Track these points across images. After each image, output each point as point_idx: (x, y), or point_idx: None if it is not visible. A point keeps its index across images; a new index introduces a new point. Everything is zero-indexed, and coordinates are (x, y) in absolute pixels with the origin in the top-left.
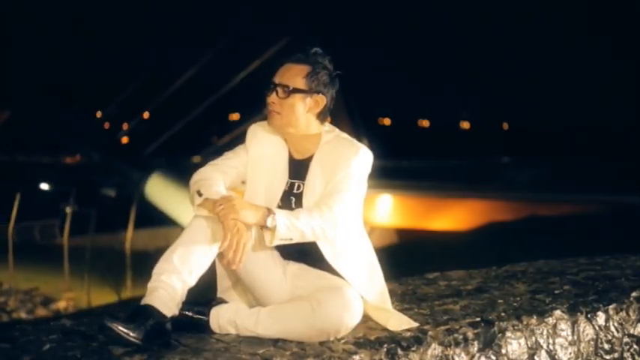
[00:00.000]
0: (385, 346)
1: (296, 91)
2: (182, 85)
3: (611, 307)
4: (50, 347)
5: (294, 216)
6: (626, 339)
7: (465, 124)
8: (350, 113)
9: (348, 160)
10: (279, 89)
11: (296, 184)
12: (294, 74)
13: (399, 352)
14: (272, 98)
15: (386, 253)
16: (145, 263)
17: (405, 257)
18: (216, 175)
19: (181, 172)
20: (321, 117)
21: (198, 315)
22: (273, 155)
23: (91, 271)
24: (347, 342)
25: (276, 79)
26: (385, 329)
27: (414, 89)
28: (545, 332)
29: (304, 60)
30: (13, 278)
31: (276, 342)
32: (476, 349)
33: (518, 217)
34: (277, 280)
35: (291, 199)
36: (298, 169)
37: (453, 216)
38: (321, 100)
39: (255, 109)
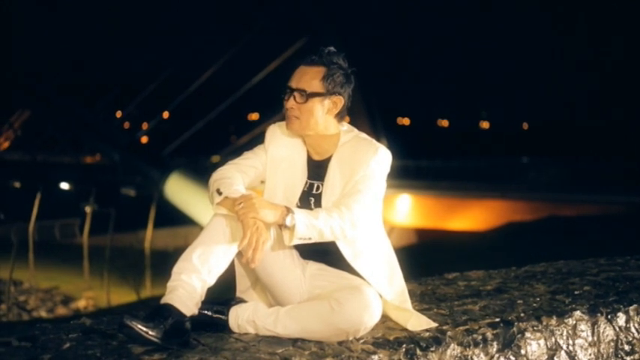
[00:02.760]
0: (404, 346)
1: (313, 94)
2: (202, 85)
3: (631, 308)
4: (70, 346)
5: (313, 215)
6: None
7: (485, 124)
8: (369, 113)
9: (367, 160)
10: (297, 94)
11: (315, 185)
12: (310, 78)
13: (418, 352)
14: (290, 103)
15: (405, 253)
16: (164, 262)
17: (425, 257)
18: (235, 174)
19: (200, 172)
20: (339, 116)
21: (217, 314)
22: (291, 156)
23: (110, 270)
24: (366, 342)
25: (293, 84)
26: (404, 329)
27: (434, 89)
28: (564, 333)
29: (319, 62)
30: (34, 277)
31: (295, 341)
32: (495, 349)
33: (537, 218)
34: (296, 280)
35: (310, 199)
36: (317, 169)
37: (472, 216)
38: (339, 101)
39: (274, 109)
